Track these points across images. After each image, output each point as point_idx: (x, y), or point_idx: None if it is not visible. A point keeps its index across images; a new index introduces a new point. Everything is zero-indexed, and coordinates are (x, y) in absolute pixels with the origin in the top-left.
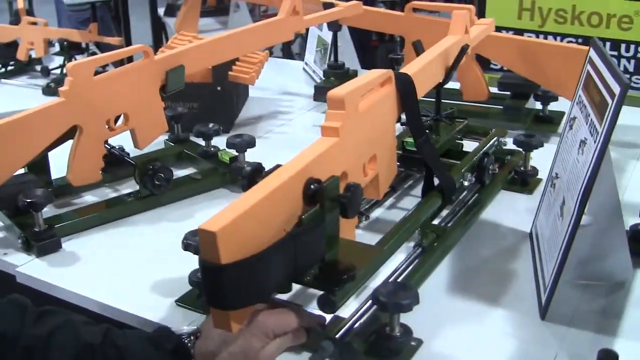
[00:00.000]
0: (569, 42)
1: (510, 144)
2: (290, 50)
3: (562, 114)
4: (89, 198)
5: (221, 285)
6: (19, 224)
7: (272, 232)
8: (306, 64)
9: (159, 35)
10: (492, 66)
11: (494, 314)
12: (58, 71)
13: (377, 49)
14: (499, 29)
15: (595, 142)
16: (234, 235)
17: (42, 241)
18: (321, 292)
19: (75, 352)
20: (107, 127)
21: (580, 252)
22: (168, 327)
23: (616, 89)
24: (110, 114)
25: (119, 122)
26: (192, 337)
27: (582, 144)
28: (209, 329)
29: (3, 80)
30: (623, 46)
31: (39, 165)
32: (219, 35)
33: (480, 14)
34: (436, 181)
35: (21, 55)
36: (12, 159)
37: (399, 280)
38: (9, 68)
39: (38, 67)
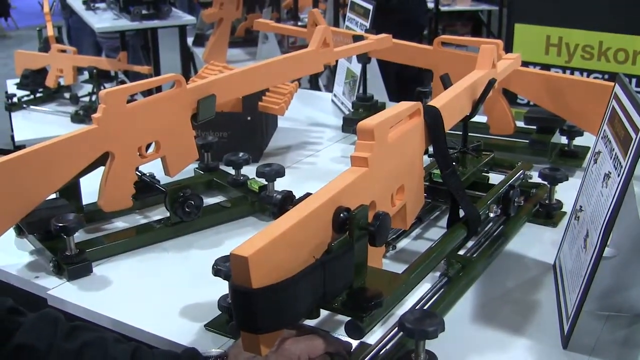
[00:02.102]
0: (595, 78)
1: (535, 178)
2: (318, 82)
3: (587, 149)
4: (120, 224)
5: (252, 309)
6: (51, 248)
7: (302, 259)
8: (335, 95)
9: (188, 65)
10: (519, 100)
11: (518, 343)
12: (87, 99)
13: None
14: (526, 64)
15: (618, 175)
16: (265, 261)
17: (74, 265)
18: (349, 318)
19: None
20: (138, 154)
21: (603, 284)
22: (196, 348)
23: None
24: (141, 142)
25: (150, 149)
26: None
27: (606, 178)
28: (237, 353)
29: (32, 106)
30: None
31: (71, 191)
32: (250, 66)
33: (508, 48)
34: (462, 213)
35: (50, 82)
36: (45, 183)
37: (424, 308)
38: (38, 95)
39: (67, 95)
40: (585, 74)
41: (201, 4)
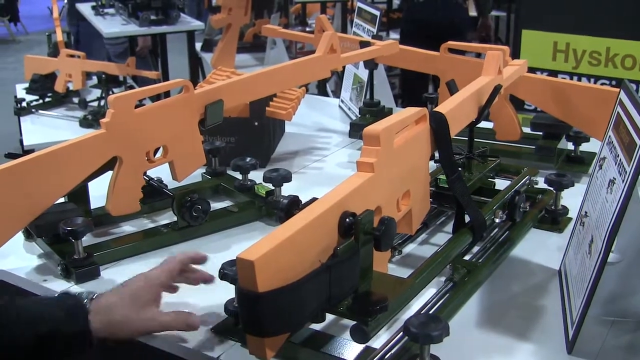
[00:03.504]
0: (602, 84)
1: (541, 183)
2: (326, 87)
3: (593, 155)
4: (127, 228)
5: (257, 312)
6: (59, 251)
7: (308, 263)
8: (342, 101)
9: (196, 70)
10: (526, 107)
11: (522, 348)
12: (95, 103)
13: None
14: (534, 70)
15: (623, 181)
16: (271, 265)
17: (81, 268)
18: (354, 322)
19: None
20: (146, 159)
21: (608, 289)
22: (68, 292)
23: None
24: (149, 146)
25: (158, 154)
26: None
27: (610, 184)
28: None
29: (41, 111)
30: None
31: (79, 195)
32: (258, 71)
33: (515, 55)
34: (467, 218)
35: (59, 87)
36: (53, 187)
37: (429, 313)
38: (47, 99)
39: (75, 99)
40: (592, 80)
41: (209, 10)
